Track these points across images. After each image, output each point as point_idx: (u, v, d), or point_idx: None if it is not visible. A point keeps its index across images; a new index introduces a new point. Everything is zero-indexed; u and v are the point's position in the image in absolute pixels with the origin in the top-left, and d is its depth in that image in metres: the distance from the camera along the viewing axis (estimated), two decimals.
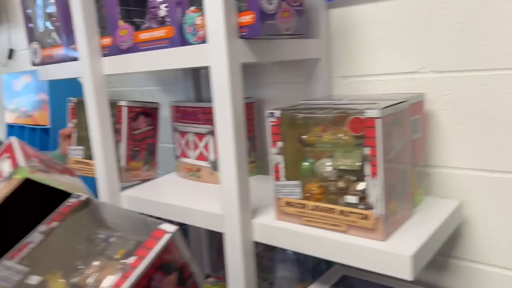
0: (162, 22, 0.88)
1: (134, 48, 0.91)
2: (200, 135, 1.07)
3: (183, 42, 0.84)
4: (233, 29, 0.73)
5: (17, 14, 2.04)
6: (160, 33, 0.86)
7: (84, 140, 1.18)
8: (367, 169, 0.67)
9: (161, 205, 0.96)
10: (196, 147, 1.09)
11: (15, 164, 0.68)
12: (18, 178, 0.64)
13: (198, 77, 1.25)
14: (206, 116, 1.05)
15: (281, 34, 0.76)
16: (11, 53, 2.14)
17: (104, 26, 1.01)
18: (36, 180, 0.64)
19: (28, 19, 1.18)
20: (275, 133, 0.76)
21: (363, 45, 0.94)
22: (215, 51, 0.73)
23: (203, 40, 0.80)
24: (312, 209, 0.75)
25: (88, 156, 1.16)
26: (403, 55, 0.89)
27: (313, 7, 0.95)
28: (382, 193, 0.67)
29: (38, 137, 1.62)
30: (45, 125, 1.58)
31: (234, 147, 0.75)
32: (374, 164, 0.66)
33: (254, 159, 1.12)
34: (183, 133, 1.13)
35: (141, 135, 1.12)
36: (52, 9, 1.10)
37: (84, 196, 0.65)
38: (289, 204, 0.78)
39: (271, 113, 0.76)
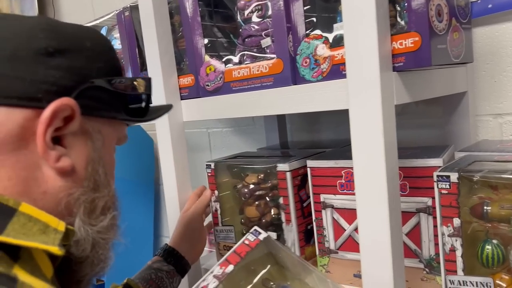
0: (255, 57, 0.68)
1: (225, 89, 0.71)
2: (348, 212, 0.67)
3: (296, 79, 0.63)
4: (386, 59, 0.51)
5: None
6: (262, 68, 0.66)
7: (231, 214, 0.84)
8: None
9: None
10: (340, 231, 0.68)
11: None
12: None
13: (283, 115, 1.04)
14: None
15: (450, 64, 0.54)
16: None
17: (181, 62, 0.83)
18: None
19: None
20: (451, 205, 0.52)
21: None
22: (360, 90, 0.51)
23: (325, 76, 0.59)
24: None
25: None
26: None
27: None
28: None
29: None
30: None
31: (389, 224, 0.51)
32: None
33: None
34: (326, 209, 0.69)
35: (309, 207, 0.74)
36: (116, 44, 0.93)
37: (263, 234, 0.56)
38: None
39: (443, 176, 0.52)
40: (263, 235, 0.56)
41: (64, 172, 0.44)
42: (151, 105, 0.54)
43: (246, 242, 0.56)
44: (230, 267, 0.53)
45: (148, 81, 0.52)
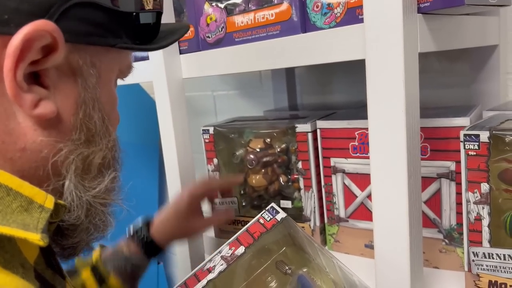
0: (262, 3, 0.61)
1: (227, 40, 0.64)
2: (361, 177, 0.62)
3: (306, 26, 0.56)
4: None
5: None
6: (267, 15, 0.59)
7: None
8: None
9: None
10: (351, 197, 0.63)
11: None
12: None
13: (293, 76, 0.97)
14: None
15: (486, 4, 0.46)
16: None
17: (181, 14, 0.76)
18: None
19: None
20: (479, 169, 0.46)
21: None
22: (379, 36, 0.44)
23: (339, 22, 0.52)
24: None
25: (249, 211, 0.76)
26: None
27: None
28: None
29: None
30: None
31: (407, 189, 0.46)
32: None
33: None
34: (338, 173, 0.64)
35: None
36: None
37: (281, 214, 0.48)
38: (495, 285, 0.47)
39: (471, 135, 0.46)
40: (281, 215, 0.48)
41: (45, 121, 0.34)
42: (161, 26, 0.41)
43: (261, 221, 0.48)
44: (241, 249, 0.47)
45: None
